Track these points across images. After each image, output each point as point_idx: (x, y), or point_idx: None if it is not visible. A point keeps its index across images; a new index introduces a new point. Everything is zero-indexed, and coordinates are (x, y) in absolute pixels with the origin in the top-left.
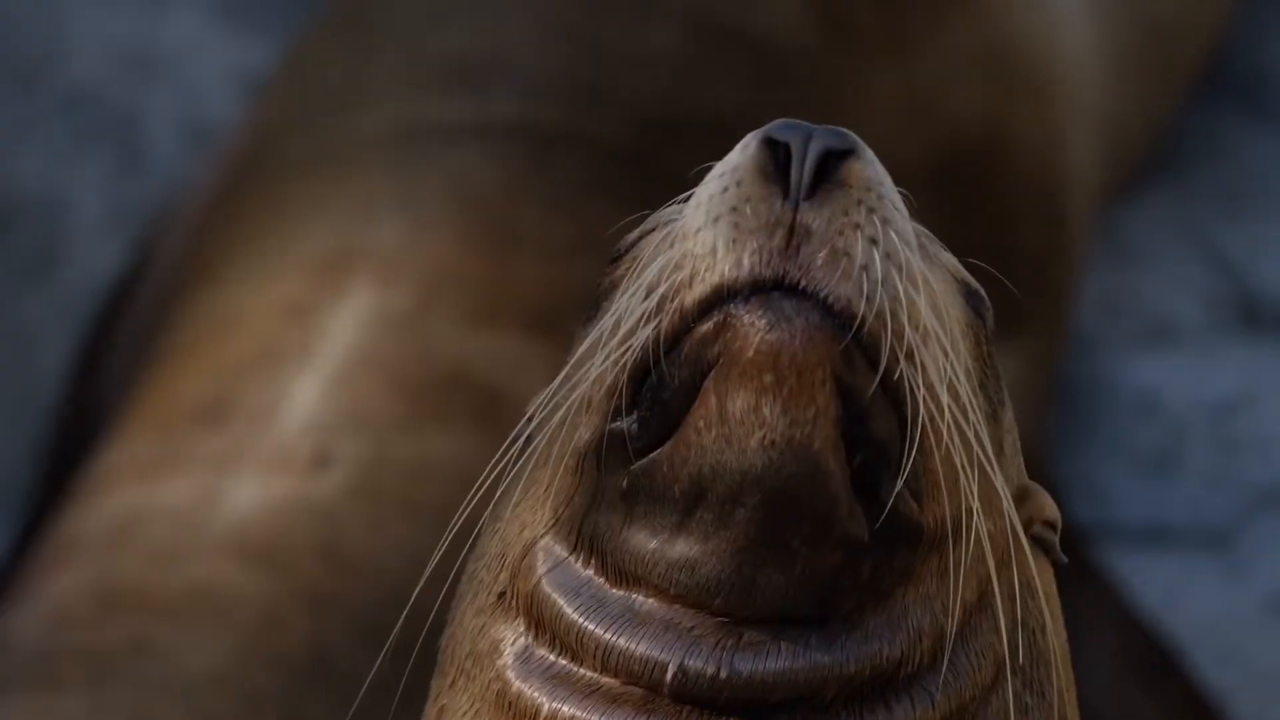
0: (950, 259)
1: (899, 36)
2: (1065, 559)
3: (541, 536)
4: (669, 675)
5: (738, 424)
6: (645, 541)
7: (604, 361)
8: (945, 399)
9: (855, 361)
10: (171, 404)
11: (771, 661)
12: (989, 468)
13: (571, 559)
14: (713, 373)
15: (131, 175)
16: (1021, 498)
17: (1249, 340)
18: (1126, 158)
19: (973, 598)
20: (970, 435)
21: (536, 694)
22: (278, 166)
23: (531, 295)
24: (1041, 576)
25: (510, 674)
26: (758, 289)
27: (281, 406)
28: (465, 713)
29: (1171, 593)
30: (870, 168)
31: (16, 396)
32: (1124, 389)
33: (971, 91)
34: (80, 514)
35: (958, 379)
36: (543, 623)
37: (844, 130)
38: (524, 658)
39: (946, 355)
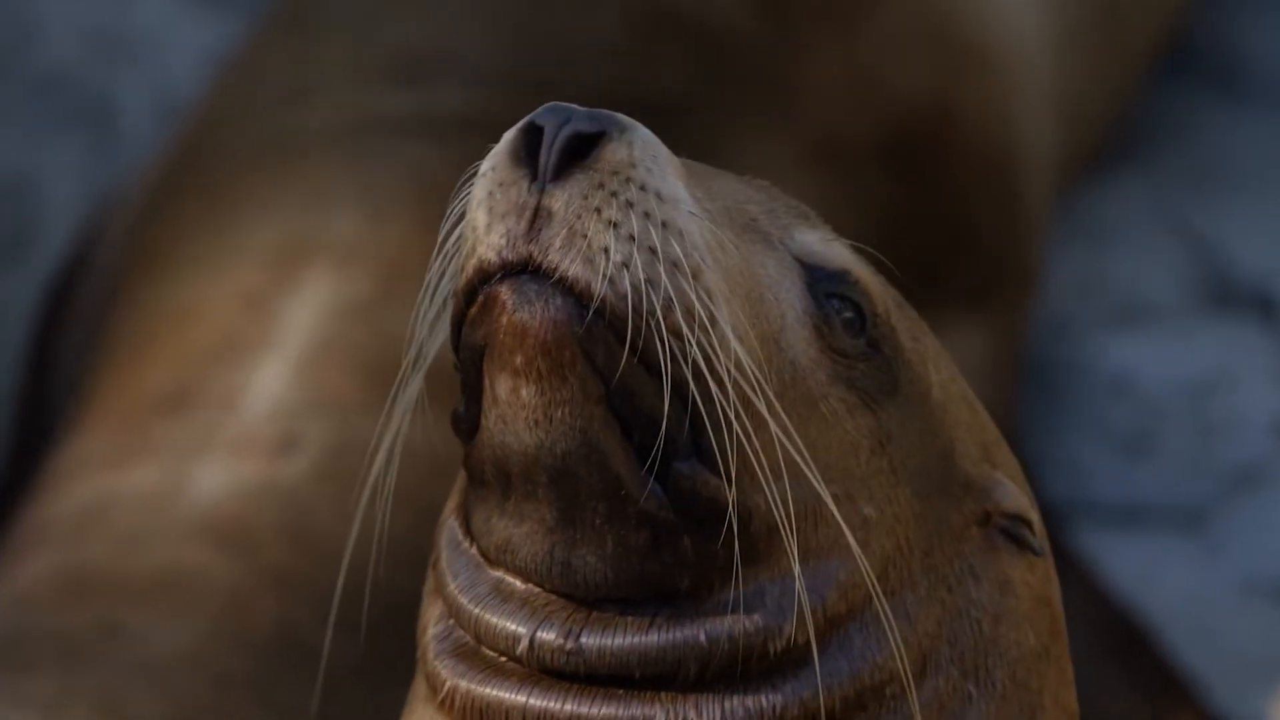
0: (807, 240)
1: (840, 16)
2: (1039, 550)
3: (448, 518)
4: (521, 647)
5: (506, 406)
6: (483, 524)
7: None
8: (728, 375)
9: (603, 341)
10: (134, 393)
11: (619, 637)
12: (795, 453)
13: (464, 540)
14: (484, 355)
15: (104, 157)
16: (969, 488)
17: (1223, 320)
18: (1086, 135)
19: (852, 579)
20: (762, 410)
21: (444, 670)
22: (225, 158)
23: None
24: (1015, 569)
25: (430, 652)
26: (508, 272)
27: (245, 393)
28: (416, 685)
29: (1146, 573)
30: (625, 150)
31: None
32: (1099, 369)
33: (915, 68)
34: (46, 502)
35: (745, 358)
36: (445, 601)
37: (606, 113)
38: (442, 636)
39: (719, 334)
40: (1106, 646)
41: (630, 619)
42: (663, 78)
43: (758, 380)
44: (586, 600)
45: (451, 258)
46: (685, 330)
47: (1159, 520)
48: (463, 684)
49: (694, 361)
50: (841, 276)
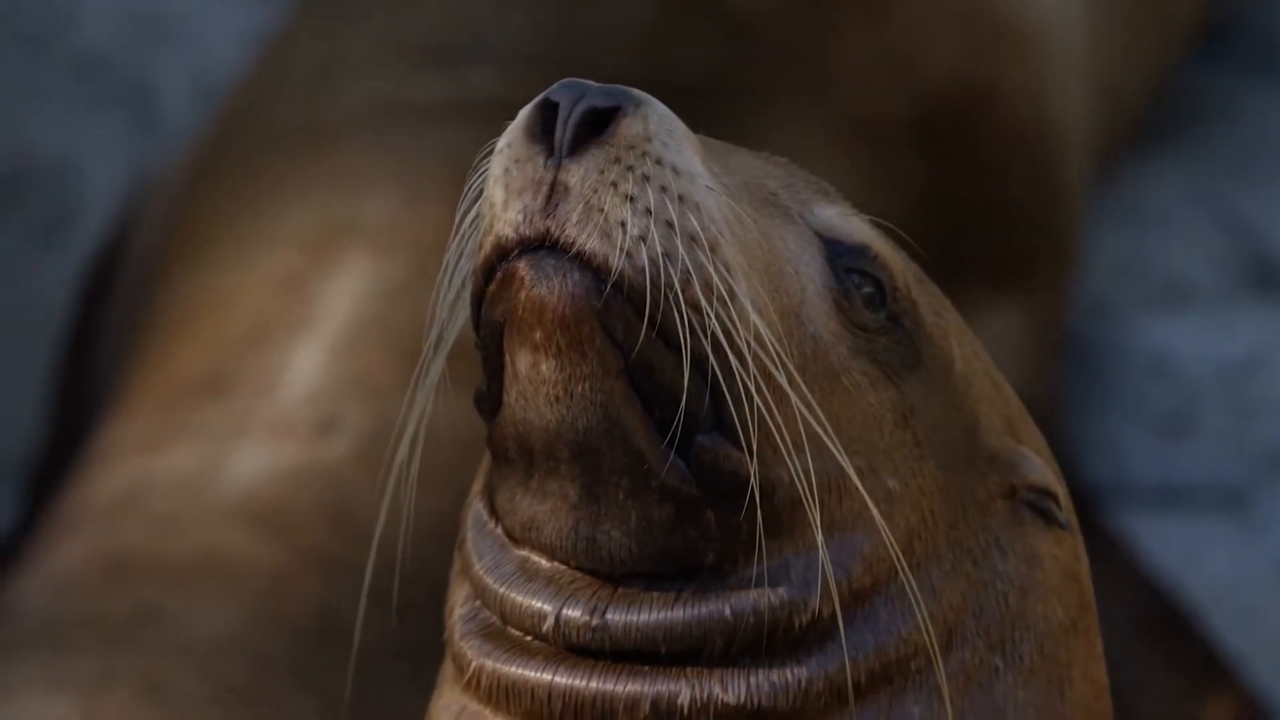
0: (827, 215)
1: None
2: (1066, 524)
3: (474, 499)
4: (547, 625)
5: (527, 382)
6: (507, 502)
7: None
8: (747, 349)
9: (621, 316)
10: (172, 378)
11: (645, 613)
12: (817, 425)
13: (490, 520)
14: (504, 332)
15: (143, 139)
16: (994, 462)
17: (1263, 302)
18: (1124, 115)
19: (876, 553)
20: (783, 383)
21: (470, 650)
22: (261, 142)
23: None
24: (1042, 543)
25: (457, 632)
26: (526, 247)
27: (283, 376)
28: (444, 667)
29: (1187, 554)
30: (640, 124)
31: (29, 362)
32: (1138, 351)
33: (949, 47)
34: (86, 485)
35: (765, 331)
36: (471, 582)
37: (621, 88)
38: (468, 616)
39: (739, 307)
40: (1148, 628)
41: (655, 594)
42: (694, 59)
43: (778, 353)
44: (612, 576)
45: (470, 237)
46: (704, 303)
47: (1200, 502)
48: (488, 664)
49: (713, 335)
50: (861, 251)
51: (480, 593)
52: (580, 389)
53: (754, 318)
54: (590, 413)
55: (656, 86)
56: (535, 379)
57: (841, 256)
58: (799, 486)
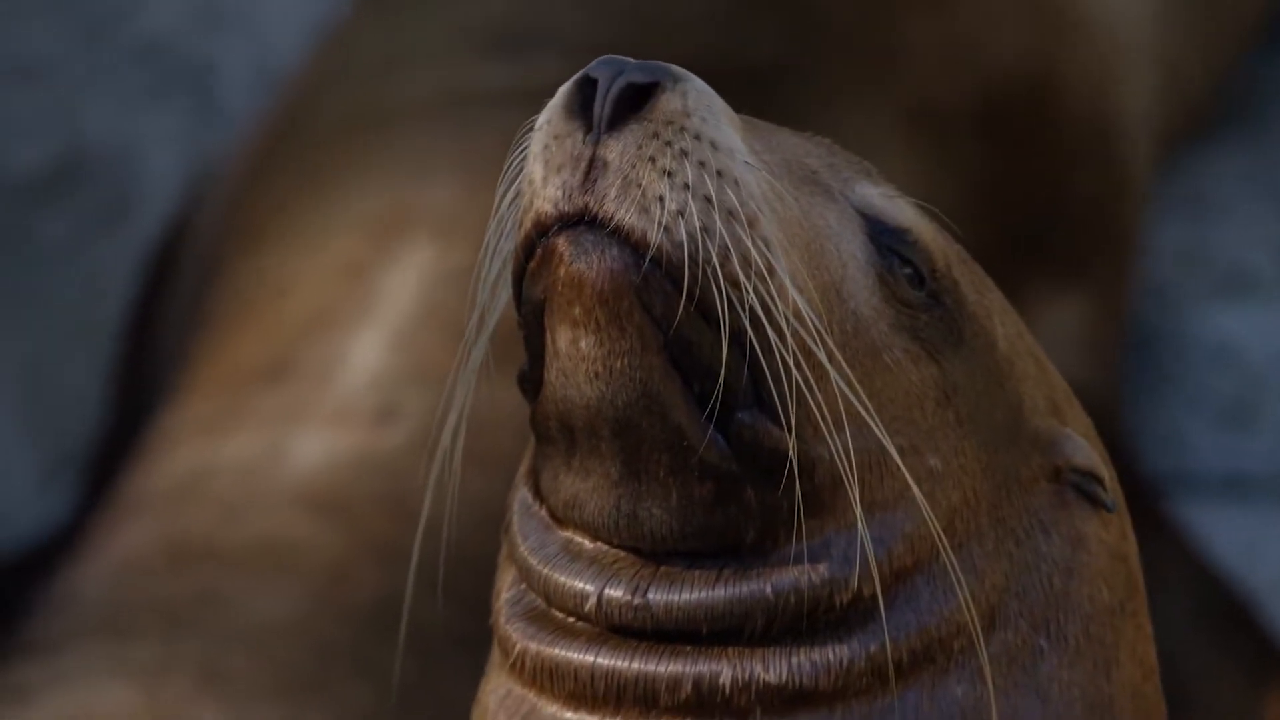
0: (869, 194)
1: None
2: (1112, 506)
3: (520, 482)
4: (589, 605)
5: (566, 359)
6: (550, 482)
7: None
8: (786, 325)
9: (660, 291)
10: (233, 364)
11: (686, 592)
12: (857, 402)
13: (534, 502)
14: (544, 309)
15: (203, 126)
16: (1038, 442)
17: None
18: (1189, 103)
19: (918, 531)
20: (823, 359)
21: (514, 633)
22: (323, 129)
23: None
24: (1088, 525)
25: (502, 616)
26: (565, 223)
27: (344, 363)
28: (492, 653)
29: (1248, 545)
30: (679, 100)
31: (91, 347)
32: (1201, 340)
33: (1014, 35)
34: (147, 470)
35: (805, 307)
36: (516, 564)
37: (660, 64)
38: (514, 600)
39: (777, 283)
40: (1207, 619)
41: (697, 573)
42: (759, 46)
43: (817, 329)
44: (654, 555)
45: (509, 216)
46: (742, 279)
47: (1262, 492)
48: (532, 646)
49: (751, 310)
50: (901, 235)
51: (525, 575)
52: (619, 364)
53: (793, 293)
54: (630, 389)
55: (722, 74)
56: (575, 355)
57: (883, 236)
58: (839, 465)
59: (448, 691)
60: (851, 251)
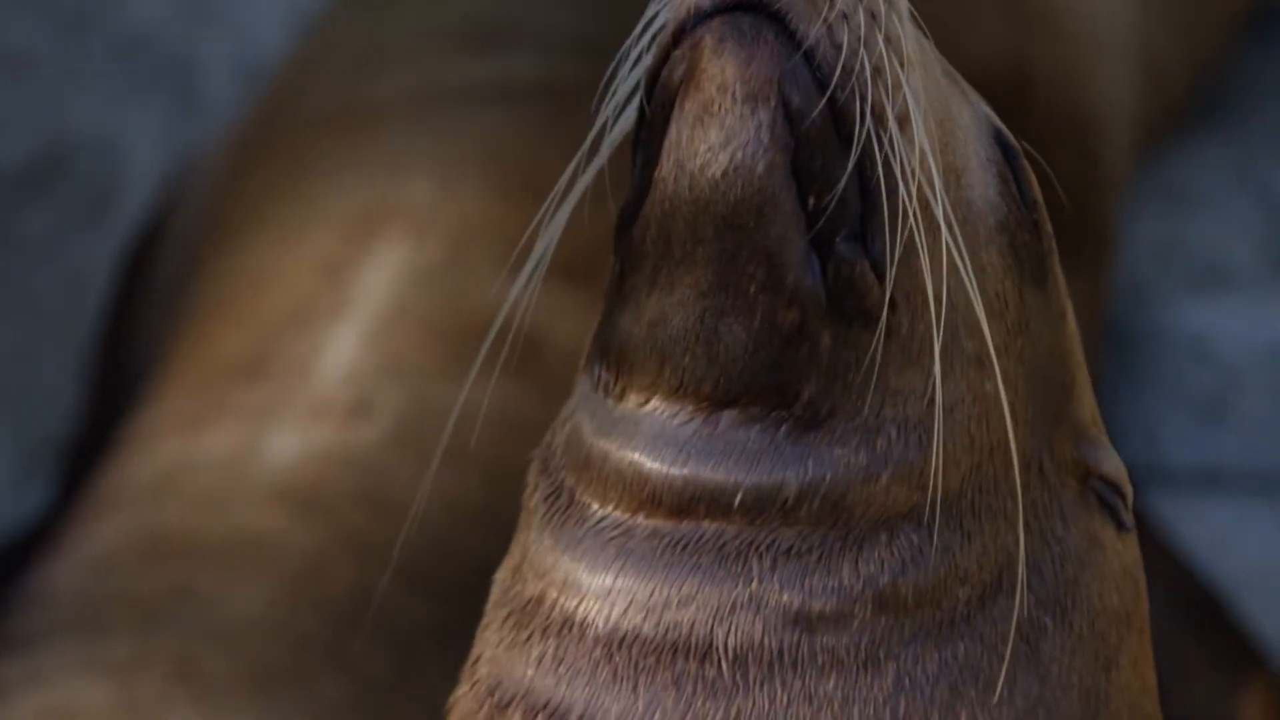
0: (990, 112)
1: None
2: (1129, 526)
3: (580, 378)
4: (634, 476)
5: (687, 146)
6: (631, 321)
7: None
8: (912, 174)
9: (803, 86)
10: (209, 360)
11: (732, 457)
12: (962, 268)
13: (595, 388)
14: (675, 98)
15: (185, 120)
16: (1077, 436)
17: None
18: (1169, 98)
19: (961, 461)
20: (938, 215)
21: (546, 537)
22: (301, 125)
23: (564, 243)
24: (1105, 531)
25: (536, 515)
26: (722, 8)
27: (320, 359)
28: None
29: (1223, 539)
30: None
31: (70, 343)
32: (1177, 334)
33: (989, 29)
34: (123, 466)
35: (934, 163)
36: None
37: None
38: (551, 495)
39: (909, 133)
40: (1181, 612)
41: (756, 433)
42: None
43: (940, 189)
44: (712, 397)
45: (640, 55)
46: (886, 105)
47: (1237, 486)
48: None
49: (885, 141)
50: (1009, 144)
51: (579, 460)
52: (741, 155)
53: (924, 144)
54: (746, 183)
55: None
56: (700, 140)
57: (1006, 148)
58: (918, 338)
59: (425, 685)
60: (977, 146)
